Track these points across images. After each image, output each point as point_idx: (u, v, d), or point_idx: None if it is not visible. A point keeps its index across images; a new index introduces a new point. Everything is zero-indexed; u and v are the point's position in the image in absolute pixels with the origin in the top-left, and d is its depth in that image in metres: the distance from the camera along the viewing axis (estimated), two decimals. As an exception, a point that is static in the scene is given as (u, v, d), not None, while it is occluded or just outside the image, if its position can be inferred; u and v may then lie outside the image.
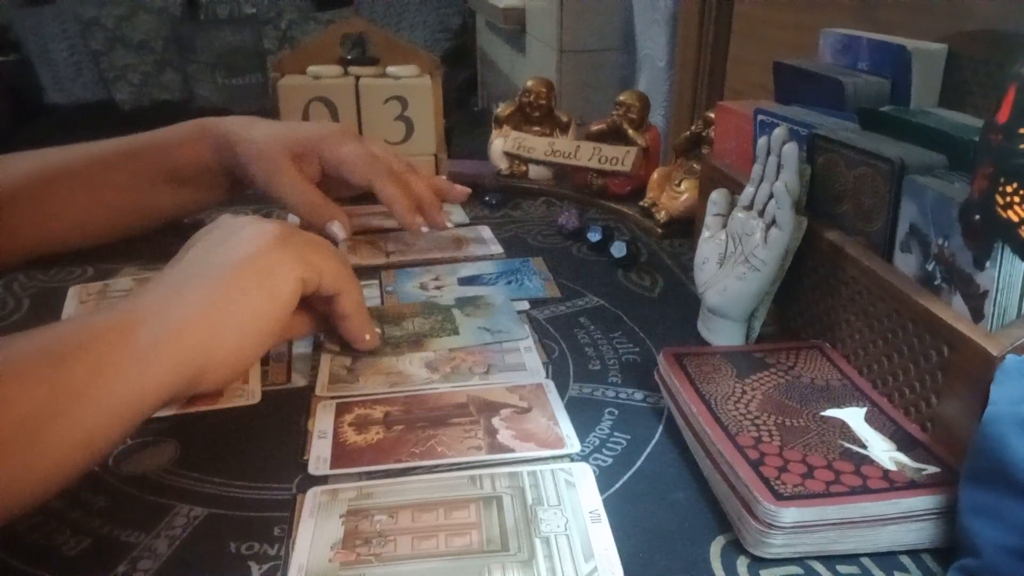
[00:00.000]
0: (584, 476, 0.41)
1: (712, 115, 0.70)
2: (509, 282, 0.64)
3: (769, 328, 0.55)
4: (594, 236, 0.70)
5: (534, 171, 0.87)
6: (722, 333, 0.53)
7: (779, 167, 0.49)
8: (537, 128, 0.87)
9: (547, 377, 0.51)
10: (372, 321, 0.53)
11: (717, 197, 0.54)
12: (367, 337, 0.52)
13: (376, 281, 0.64)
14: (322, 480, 0.41)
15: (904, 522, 0.36)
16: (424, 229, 0.65)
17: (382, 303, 0.61)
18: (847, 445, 0.40)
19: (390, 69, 0.80)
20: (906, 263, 0.45)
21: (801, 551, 0.36)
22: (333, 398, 0.48)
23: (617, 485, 0.41)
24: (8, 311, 0.60)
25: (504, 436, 0.44)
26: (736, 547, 0.37)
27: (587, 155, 0.81)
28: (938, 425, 0.41)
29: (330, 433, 0.45)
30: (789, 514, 0.35)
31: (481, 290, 0.62)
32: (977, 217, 0.37)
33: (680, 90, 1.26)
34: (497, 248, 0.71)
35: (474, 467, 0.42)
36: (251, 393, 0.49)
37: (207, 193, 0.70)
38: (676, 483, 0.42)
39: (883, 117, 0.51)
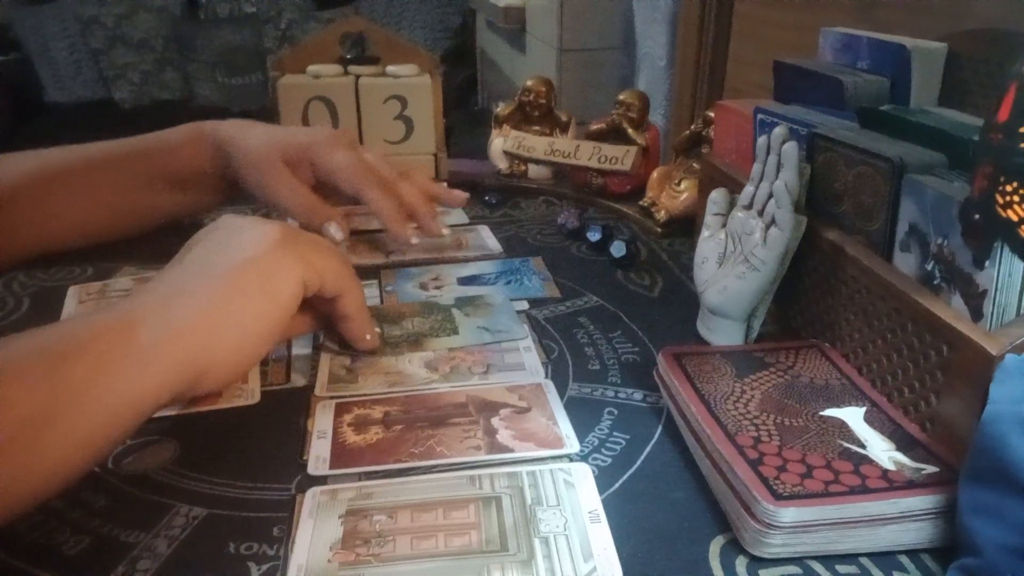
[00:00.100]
0: (583, 476, 0.41)
1: (712, 114, 0.70)
2: (509, 282, 0.64)
3: (768, 327, 0.55)
4: (594, 236, 0.70)
5: (534, 170, 0.87)
6: (722, 333, 0.53)
7: (779, 166, 0.49)
8: (537, 127, 0.87)
9: (546, 377, 0.51)
10: (372, 321, 0.53)
11: (717, 196, 0.54)
12: (368, 337, 0.52)
13: (376, 281, 0.64)
14: (321, 480, 0.41)
15: (903, 522, 0.36)
16: (414, 240, 0.64)
17: (382, 303, 0.61)
18: (846, 445, 0.40)
19: (390, 68, 0.80)
20: (906, 262, 0.45)
21: (800, 551, 0.36)
22: (332, 398, 0.48)
23: (616, 485, 0.41)
24: (8, 310, 0.60)
25: (503, 436, 0.44)
26: (735, 547, 0.37)
27: (587, 154, 0.81)
28: (937, 424, 0.41)
29: (329, 433, 0.45)
30: (788, 514, 0.35)
31: (481, 290, 0.62)
32: (977, 216, 0.37)
33: (680, 89, 1.26)
34: (497, 247, 0.71)
35: (473, 467, 0.42)
36: (250, 393, 0.49)
37: (205, 196, 0.70)
38: (675, 483, 0.42)
39: (883, 116, 0.51)
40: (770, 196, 0.49)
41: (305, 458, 0.43)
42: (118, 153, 0.67)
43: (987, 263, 0.38)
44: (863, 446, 0.40)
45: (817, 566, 0.36)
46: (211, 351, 0.42)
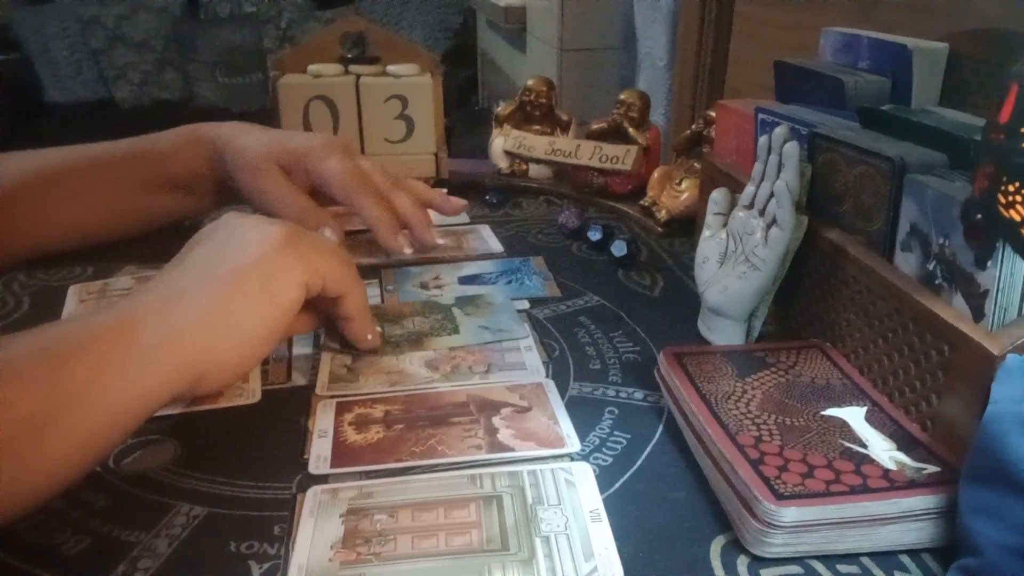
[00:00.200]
0: (584, 475, 0.41)
1: (713, 114, 0.70)
2: (509, 281, 0.64)
3: (769, 327, 0.55)
4: (594, 235, 0.70)
5: (534, 170, 0.87)
6: (722, 332, 0.53)
7: (780, 166, 0.49)
8: (537, 127, 0.87)
9: (547, 376, 0.50)
10: (374, 321, 0.53)
11: (718, 196, 0.54)
12: (369, 337, 0.52)
13: (376, 280, 0.64)
14: (322, 479, 0.41)
15: (904, 521, 0.36)
16: (407, 250, 0.63)
17: (382, 302, 0.61)
18: (847, 444, 0.40)
19: (390, 68, 0.80)
20: (907, 262, 0.45)
21: (801, 550, 0.36)
22: (333, 397, 0.48)
23: (617, 484, 0.41)
24: (8, 310, 0.60)
25: (504, 435, 0.44)
26: (736, 546, 0.37)
27: (587, 154, 0.81)
28: (939, 424, 0.41)
29: (330, 432, 0.45)
30: (789, 513, 0.35)
31: (481, 289, 0.62)
32: (978, 216, 0.37)
33: (680, 89, 1.26)
34: (497, 247, 0.71)
35: (474, 466, 0.42)
36: (251, 392, 0.49)
37: (202, 199, 0.69)
38: (676, 483, 0.42)
39: (884, 116, 0.51)
40: (771, 196, 0.49)
41: (306, 457, 0.43)
42: (116, 155, 0.67)
43: (989, 263, 0.38)
44: (864, 446, 0.40)
45: (818, 566, 0.36)
46: (211, 352, 0.42)
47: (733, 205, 0.53)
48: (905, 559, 0.37)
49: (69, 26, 2.95)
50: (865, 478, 0.37)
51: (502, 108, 0.88)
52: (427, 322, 0.56)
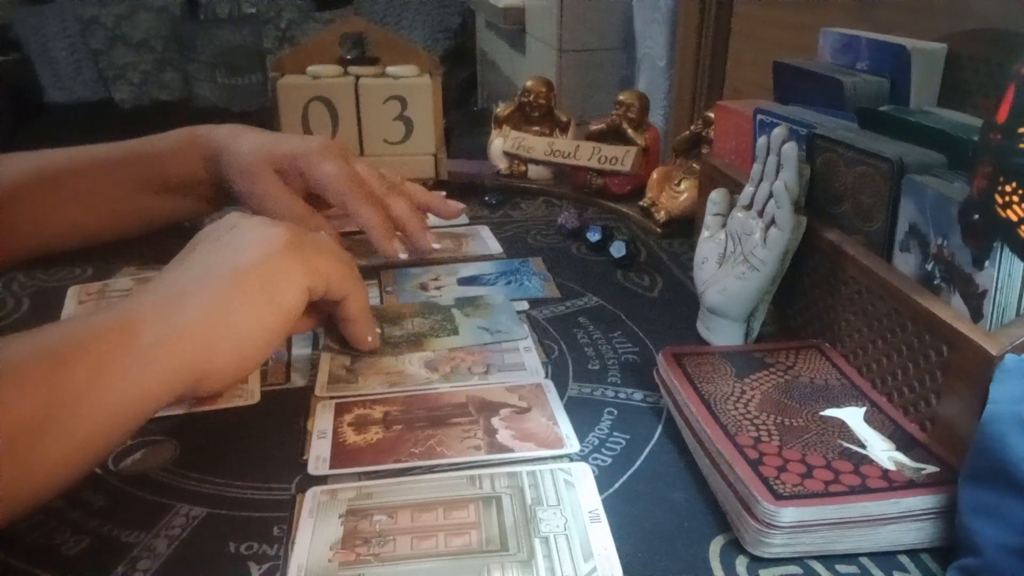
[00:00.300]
0: (583, 476, 0.41)
1: (712, 115, 0.70)
2: (509, 282, 0.64)
3: (768, 328, 0.55)
4: (593, 236, 0.70)
5: (534, 171, 0.87)
6: (721, 333, 0.53)
7: (779, 166, 0.49)
8: (537, 128, 0.87)
9: (546, 377, 0.51)
10: (374, 322, 0.53)
11: (716, 197, 0.54)
12: (369, 339, 0.52)
13: (376, 281, 0.64)
14: (321, 480, 0.41)
15: (903, 522, 0.36)
16: (403, 255, 0.63)
17: (382, 303, 0.61)
18: (846, 445, 0.40)
19: (390, 69, 0.80)
20: (905, 262, 0.45)
21: (800, 551, 0.36)
22: (332, 398, 0.48)
23: (616, 485, 0.41)
24: (8, 311, 0.60)
25: (503, 436, 0.44)
26: (735, 547, 0.37)
27: (587, 155, 0.81)
28: (937, 424, 0.41)
29: (329, 433, 0.45)
30: (788, 514, 0.35)
31: (481, 290, 0.62)
32: (976, 216, 0.37)
33: (680, 90, 1.26)
34: (497, 248, 0.71)
35: (473, 467, 0.42)
36: (250, 393, 0.49)
37: (199, 202, 0.69)
38: (675, 483, 0.42)
39: (882, 116, 0.51)
40: (770, 196, 0.49)
41: (305, 458, 0.43)
42: (115, 156, 0.67)
43: (987, 263, 0.38)
44: (863, 446, 0.40)
45: (817, 566, 0.36)
46: (211, 354, 0.42)
47: (732, 206, 0.53)
48: (904, 559, 0.37)
49: (69, 26, 2.95)
50: (864, 478, 0.37)
51: (501, 109, 0.88)
52: (426, 323, 0.56)
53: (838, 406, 0.43)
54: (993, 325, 0.39)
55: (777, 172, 0.49)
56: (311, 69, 0.79)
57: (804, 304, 0.53)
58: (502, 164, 0.87)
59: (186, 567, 0.36)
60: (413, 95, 0.79)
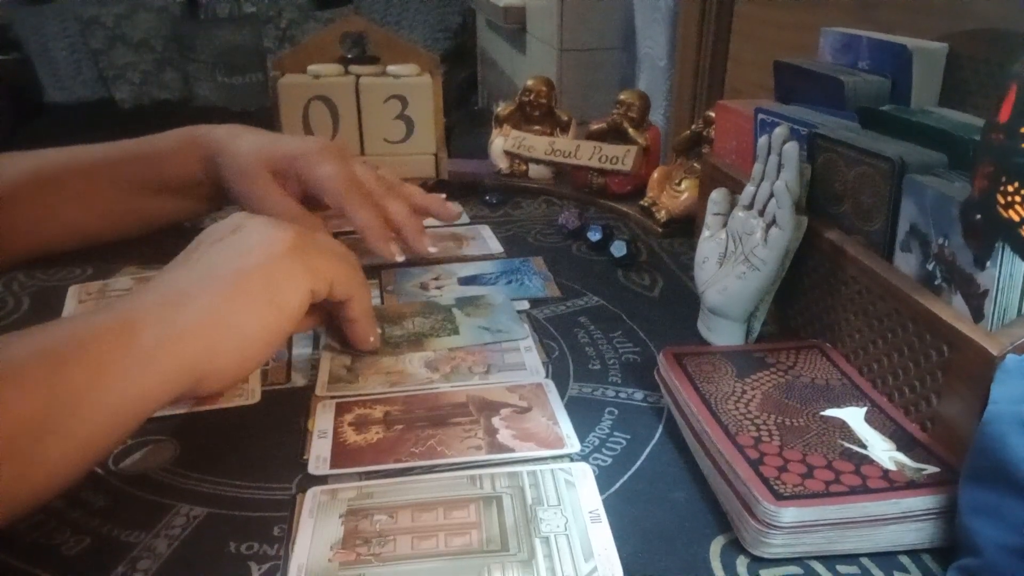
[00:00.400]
0: (584, 476, 0.41)
1: (712, 114, 0.70)
2: (509, 281, 0.64)
3: (769, 327, 0.55)
4: (594, 235, 0.70)
5: (534, 170, 0.87)
6: (722, 332, 0.53)
7: (779, 166, 0.49)
8: (537, 127, 0.87)
9: (547, 377, 0.50)
10: (376, 323, 0.53)
11: (717, 196, 0.54)
12: (371, 340, 0.52)
13: (376, 280, 0.64)
14: (322, 480, 0.41)
15: (904, 522, 0.36)
16: (399, 258, 0.62)
17: (382, 302, 0.61)
18: (847, 445, 0.40)
19: (390, 68, 0.80)
20: (906, 262, 0.45)
21: (801, 551, 0.36)
22: (333, 398, 0.48)
23: (617, 485, 0.41)
24: (8, 310, 0.60)
25: (504, 436, 0.44)
26: (736, 547, 0.37)
27: (587, 154, 0.81)
28: (938, 424, 0.41)
29: (330, 433, 0.45)
30: (789, 514, 0.35)
31: (481, 290, 0.62)
32: (978, 216, 0.37)
33: (680, 89, 1.26)
34: (497, 247, 0.71)
35: (474, 467, 0.42)
36: (251, 393, 0.49)
37: (198, 203, 0.69)
38: (676, 483, 0.42)
39: (883, 116, 0.51)
40: (771, 196, 0.49)
41: (305, 458, 0.43)
42: (114, 156, 0.66)
43: (988, 263, 0.38)
44: (864, 446, 0.40)
45: (818, 566, 0.36)
46: (212, 356, 0.42)
47: (733, 205, 0.53)
48: (905, 559, 0.37)
49: (69, 26, 2.95)
50: (865, 478, 0.37)
51: (502, 108, 0.88)
52: (427, 323, 0.56)
53: (839, 406, 0.43)
54: (994, 325, 0.39)
55: (778, 172, 0.49)
56: (311, 68, 0.79)
57: (805, 304, 0.53)
58: (503, 163, 0.87)
59: (186, 567, 0.36)
60: (413, 94, 0.79)
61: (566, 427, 0.45)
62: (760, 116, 0.58)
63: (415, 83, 0.79)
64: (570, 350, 0.54)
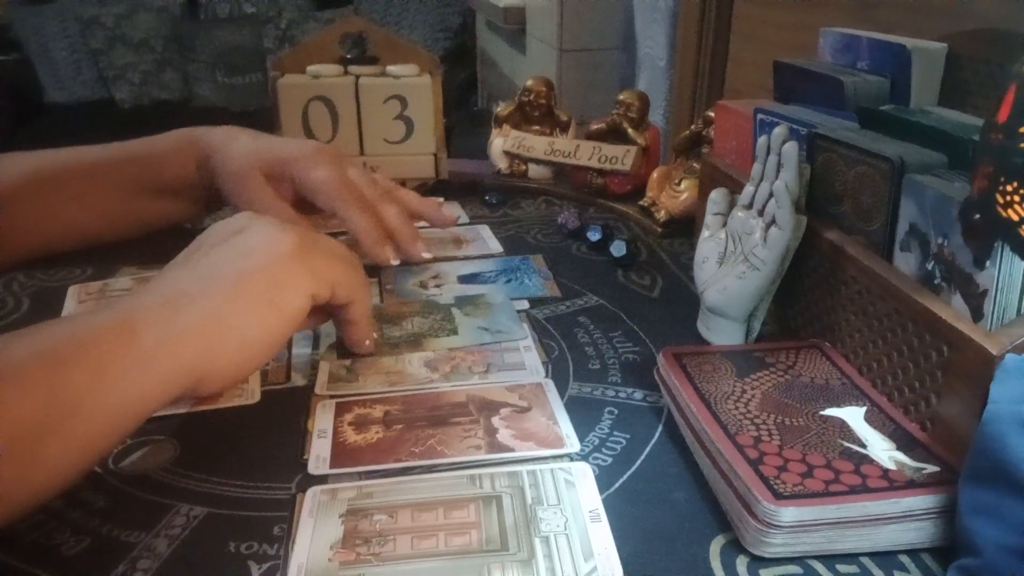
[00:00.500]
0: (584, 475, 0.41)
1: (712, 114, 0.70)
2: (509, 280, 0.64)
3: (769, 327, 0.55)
4: (594, 235, 0.70)
5: (534, 170, 0.87)
6: (722, 332, 0.53)
7: (779, 166, 0.49)
8: (537, 127, 0.87)
9: (547, 376, 0.50)
10: (374, 326, 0.53)
11: (717, 196, 0.54)
12: (367, 343, 0.52)
13: (376, 279, 0.64)
14: (322, 480, 0.41)
15: (904, 521, 0.36)
16: (394, 262, 0.62)
17: (381, 301, 0.61)
18: (847, 444, 0.40)
19: (390, 68, 0.80)
20: (906, 262, 0.45)
21: (800, 550, 0.36)
22: (333, 397, 0.48)
23: (617, 485, 0.41)
24: (8, 310, 0.60)
25: (504, 435, 0.44)
26: (736, 546, 0.37)
27: (587, 154, 0.81)
28: (938, 424, 0.41)
29: (330, 432, 0.45)
30: (788, 513, 0.35)
31: (481, 288, 0.62)
32: (977, 216, 0.37)
33: (680, 89, 1.26)
34: (497, 247, 0.71)
35: (474, 466, 0.42)
36: (250, 392, 0.49)
37: (193, 205, 0.69)
38: (676, 483, 0.42)
39: (883, 116, 0.51)
40: (770, 196, 0.49)
41: (305, 457, 0.43)
42: (112, 158, 0.66)
43: (987, 263, 0.38)
44: (863, 446, 0.40)
45: (818, 566, 0.36)
46: (212, 357, 0.41)
47: (732, 205, 0.53)
48: (904, 559, 0.37)
49: (69, 26, 2.95)
50: (864, 478, 0.37)
51: (501, 108, 0.88)
52: (426, 323, 0.56)
53: (838, 406, 0.43)
54: (993, 325, 0.39)
55: (777, 172, 0.49)
56: (311, 69, 0.79)
57: (804, 304, 0.53)
58: (502, 164, 0.87)
59: (186, 567, 0.36)
60: (413, 95, 0.79)
61: (566, 427, 0.45)
62: (760, 116, 0.58)
63: (415, 83, 0.79)
64: (570, 350, 0.54)
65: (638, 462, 0.43)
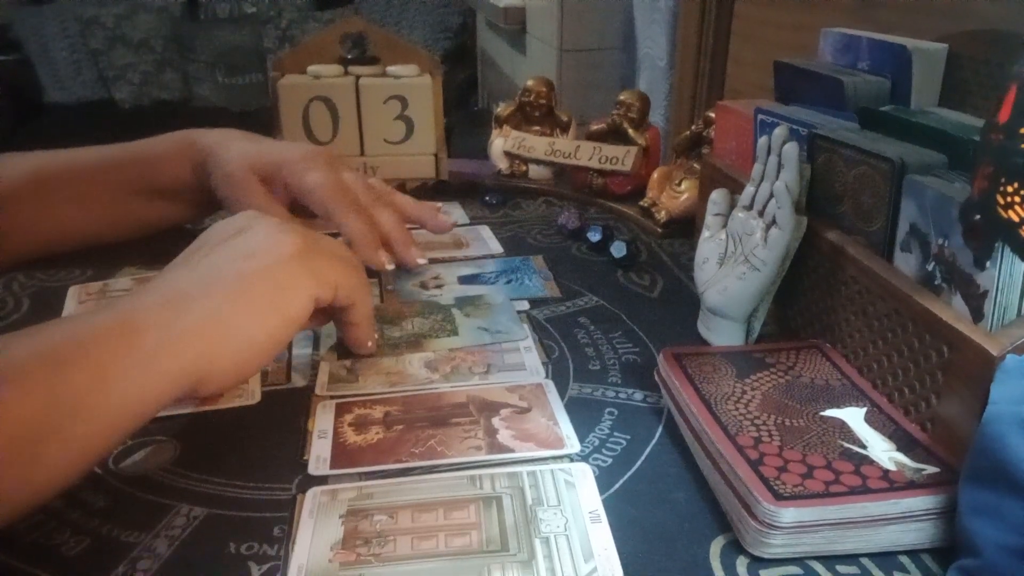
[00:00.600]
0: (584, 476, 0.41)
1: (712, 115, 0.70)
2: (509, 280, 0.64)
3: (769, 328, 0.55)
4: (594, 236, 0.70)
5: (534, 171, 0.87)
6: (722, 333, 0.53)
7: (779, 167, 0.49)
8: (537, 128, 0.87)
9: (547, 377, 0.50)
10: (375, 328, 0.53)
11: (717, 197, 0.54)
12: (369, 344, 0.52)
13: (376, 280, 0.64)
14: (322, 480, 0.41)
15: (904, 522, 0.36)
16: (389, 267, 0.62)
17: (382, 301, 0.61)
18: (847, 445, 0.40)
19: (390, 68, 0.80)
20: (906, 263, 0.45)
21: (801, 551, 0.36)
22: (333, 398, 0.48)
23: (617, 485, 0.41)
24: (8, 310, 0.60)
25: (504, 436, 0.44)
26: (736, 547, 0.37)
27: (587, 155, 0.81)
28: (938, 425, 0.41)
29: (330, 433, 0.45)
30: (788, 514, 0.35)
31: (481, 289, 0.62)
32: (977, 217, 0.37)
33: (680, 90, 1.26)
34: (497, 248, 0.71)
35: (474, 467, 0.42)
36: (251, 393, 0.49)
37: (189, 208, 0.69)
38: (676, 483, 0.42)
39: (883, 117, 0.51)
40: (771, 196, 0.49)
41: (305, 458, 0.43)
42: (109, 160, 0.66)
43: (988, 264, 0.38)
44: (864, 446, 0.40)
45: (818, 566, 0.36)
46: (213, 358, 0.41)
47: (732, 206, 0.53)
48: (905, 560, 0.37)
49: (69, 26, 2.95)
50: (865, 479, 0.37)
51: (502, 109, 0.88)
52: (426, 323, 0.56)
53: (839, 406, 0.43)
54: (994, 326, 0.39)
55: (778, 172, 0.49)
56: (311, 69, 0.79)
57: (805, 304, 0.53)
58: (502, 164, 0.87)
59: (186, 567, 0.36)
60: (413, 95, 0.79)
61: (566, 427, 0.45)
62: (760, 116, 0.58)
63: (415, 83, 0.79)
64: (570, 350, 0.54)
65: (638, 463, 0.43)
